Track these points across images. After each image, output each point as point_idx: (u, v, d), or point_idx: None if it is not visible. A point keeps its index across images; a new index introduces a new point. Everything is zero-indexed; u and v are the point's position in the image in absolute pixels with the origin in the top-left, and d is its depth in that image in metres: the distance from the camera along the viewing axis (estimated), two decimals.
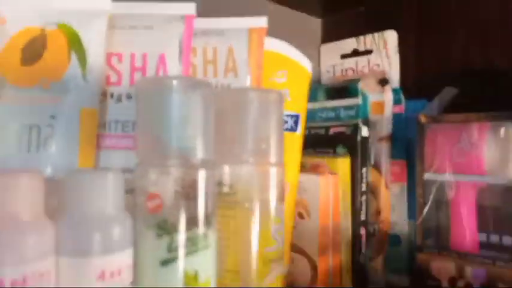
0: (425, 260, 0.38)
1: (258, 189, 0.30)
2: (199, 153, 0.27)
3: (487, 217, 0.36)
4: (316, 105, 0.51)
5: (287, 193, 0.41)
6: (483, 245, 0.37)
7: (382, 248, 0.46)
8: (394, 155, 0.47)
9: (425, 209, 0.38)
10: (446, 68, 0.45)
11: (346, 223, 0.44)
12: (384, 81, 0.46)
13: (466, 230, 0.37)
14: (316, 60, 0.56)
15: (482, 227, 0.37)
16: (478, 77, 0.42)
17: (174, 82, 0.27)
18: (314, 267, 0.42)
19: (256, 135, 0.30)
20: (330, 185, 0.43)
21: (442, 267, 0.37)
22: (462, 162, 0.37)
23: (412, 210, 0.46)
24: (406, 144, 0.46)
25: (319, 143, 0.48)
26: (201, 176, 0.27)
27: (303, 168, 0.45)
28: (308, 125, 0.49)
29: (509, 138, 0.34)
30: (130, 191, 0.28)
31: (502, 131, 0.35)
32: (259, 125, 0.30)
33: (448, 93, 0.41)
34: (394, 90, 0.47)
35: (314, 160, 0.46)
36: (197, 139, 0.27)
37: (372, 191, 0.47)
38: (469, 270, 0.36)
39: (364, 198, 0.45)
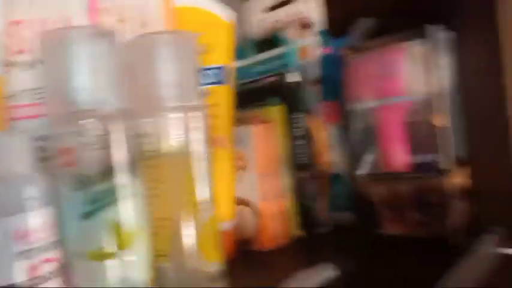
0: (359, 186, 0.40)
1: (180, 134, 0.30)
2: (111, 104, 0.27)
3: (411, 136, 0.38)
4: (247, 61, 0.51)
5: (222, 145, 0.41)
6: (411, 164, 0.38)
7: (324, 189, 0.48)
8: (327, 97, 0.48)
9: (355, 139, 0.40)
10: (367, 3, 0.46)
11: (286, 168, 0.45)
12: (306, 25, 0.47)
13: (396, 152, 0.38)
14: (244, 16, 0.56)
15: (410, 146, 0.38)
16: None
17: (77, 32, 0.26)
18: (258, 214, 0.43)
19: (171, 79, 0.30)
20: (264, 134, 0.43)
21: (376, 190, 0.38)
22: (384, 87, 0.38)
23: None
24: (338, 84, 0.47)
25: (253, 97, 0.48)
26: (113, 126, 0.27)
27: (239, 122, 0.45)
28: (241, 81, 0.49)
29: (423, 53, 0.36)
30: (46, 157, 0.28)
31: (416, 48, 0.36)
32: (173, 69, 0.30)
33: (364, 24, 0.42)
34: (320, 33, 0.47)
35: (249, 113, 0.46)
36: (107, 90, 0.27)
37: (309, 134, 0.48)
38: (400, 189, 0.38)
39: (301, 142, 0.46)
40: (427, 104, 0.36)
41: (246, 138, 0.43)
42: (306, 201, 0.46)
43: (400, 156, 0.38)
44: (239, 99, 0.48)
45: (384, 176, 0.39)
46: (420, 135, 0.37)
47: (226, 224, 0.41)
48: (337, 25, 0.48)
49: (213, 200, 0.32)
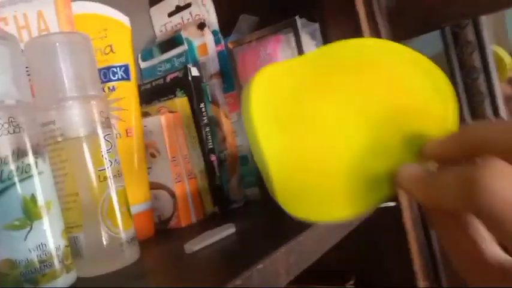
0: None
1: (82, 119, 0.34)
2: (12, 96, 0.31)
3: None
4: (154, 61, 0.56)
5: (132, 137, 0.45)
6: None
7: (234, 169, 0.53)
8: (226, 89, 0.54)
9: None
10: (249, 4, 0.53)
11: (196, 152, 0.50)
12: (201, 25, 0.53)
13: None
14: (149, 23, 0.61)
15: None
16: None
17: None
18: (173, 195, 0.47)
19: (70, 73, 0.34)
20: (172, 122, 0.48)
21: None
22: None
23: None
24: (234, 76, 0.54)
25: (161, 92, 0.53)
26: (17, 113, 0.31)
27: (149, 114, 0.50)
28: (150, 80, 0.54)
29: (295, 42, 0.42)
30: None
31: (289, 38, 0.42)
32: (69, 64, 0.34)
33: (246, 20, 0.48)
34: (213, 32, 0.53)
35: (157, 106, 0.51)
36: (7, 84, 0.31)
37: (215, 123, 0.53)
38: None
39: (207, 129, 0.51)
40: None
41: (155, 128, 0.48)
42: (218, 181, 0.51)
43: None
44: (149, 95, 0.53)
45: None
46: None
47: (143, 206, 0.45)
48: (226, 24, 0.54)
49: (120, 175, 0.36)
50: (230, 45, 0.46)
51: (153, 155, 0.48)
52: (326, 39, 0.46)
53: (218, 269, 0.30)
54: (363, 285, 0.51)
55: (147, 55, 0.56)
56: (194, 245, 0.35)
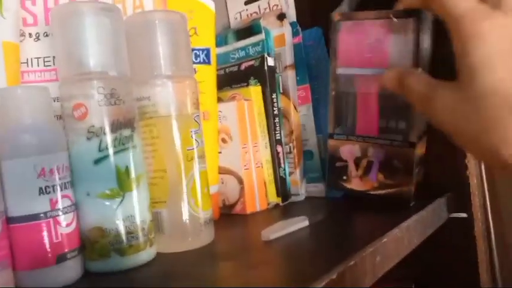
0: (335, 145, 0.45)
1: (174, 99, 0.35)
2: (115, 68, 0.32)
3: (386, 105, 0.42)
4: (228, 48, 0.56)
5: (208, 120, 0.46)
6: (382, 130, 0.43)
7: (298, 163, 0.53)
8: (298, 82, 0.53)
9: (337, 101, 0.45)
10: None
11: (264, 142, 0.50)
12: (281, 16, 0.52)
13: (369, 117, 0.43)
14: (224, 9, 0.61)
15: (382, 114, 0.43)
16: None
17: (85, 6, 0.31)
18: (241, 181, 0.48)
19: (168, 51, 0.35)
20: (245, 109, 0.48)
21: (349, 150, 0.44)
22: (369, 57, 0.41)
23: (319, 128, 0.53)
24: (308, 70, 0.53)
25: (234, 79, 0.53)
26: (118, 85, 0.31)
27: (224, 100, 0.50)
28: (223, 66, 0.54)
29: (409, 30, 0.39)
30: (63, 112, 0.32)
31: (403, 25, 0.39)
32: (168, 43, 0.35)
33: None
34: (292, 24, 0.53)
35: (230, 93, 0.51)
36: (111, 56, 0.32)
37: (284, 114, 0.53)
38: (370, 151, 0.43)
39: (277, 120, 0.51)
40: None
41: (230, 114, 0.48)
42: (282, 173, 0.51)
43: (373, 123, 0.43)
44: (223, 81, 0.53)
45: (356, 137, 0.44)
46: (394, 106, 0.42)
47: (212, 189, 0.45)
48: (306, 17, 0.54)
49: (203, 156, 0.37)
50: (336, 17, 0.44)
51: (224, 141, 0.49)
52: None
53: (300, 263, 0.30)
54: None
55: (221, 41, 0.56)
56: (271, 233, 0.35)
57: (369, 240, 0.31)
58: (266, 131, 0.51)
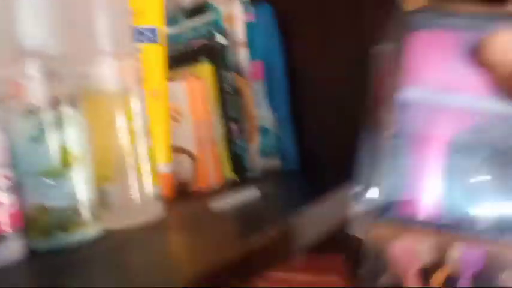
0: (379, 237, 0.22)
1: (116, 75, 0.35)
2: (53, 45, 0.31)
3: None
4: (179, 27, 0.56)
5: (157, 99, 0.46)
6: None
7: (253, 139, 0.54)
8: (250, 58, 0.54)
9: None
10: None
11: (217, 119, 0.51)
12: None
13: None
14: None
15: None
16: None
17: None
18: (194, 159, 0.48)
19: (109, 27, 0.35)
20: (196, 88, 0.49)
21: (408, 250, 0.21)
22: (463, 77, 0.23)
23: (272, 103, 0.54)
24: (259, 47, 0.54)
25: (185, 58, 0.53)
26: (57, 63, 0.31)
27: (174, 79, 0.50)
28: (174, 45, 0.54)
29: None
30: None
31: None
32: (109, 19, 0.35)
33: None
34: (242, 2, 0.53)
35: (181, 72, 0.51)
36: (49, 33, 0.31)
37: (237, 92, 0.54)
38: (455, 253, 0.21)
39: (229, 97, 0.52)
40: None
41: (180, 92, 0.48)
42: (237, 149, 0.52)
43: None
44: (174, 60, 0.53)
45: (427, 225, 0.22)
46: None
47: (165, 167, 0.46)
48: None
49: (148, 133, 0.37)
50: (414, 4, 0.24)
51: (175, 119, 0.49)
52: None
53: (245, 226, 0.31)
54: None
55: (171, 20, 0.56)
56: (220, 204, 0.36)
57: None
58: (219, 109, 0.51)
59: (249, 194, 0.39)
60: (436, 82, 0.22)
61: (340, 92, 0.52)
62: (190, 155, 0.48)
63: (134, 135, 0.35)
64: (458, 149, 0.21)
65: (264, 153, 0.54)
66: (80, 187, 0.32)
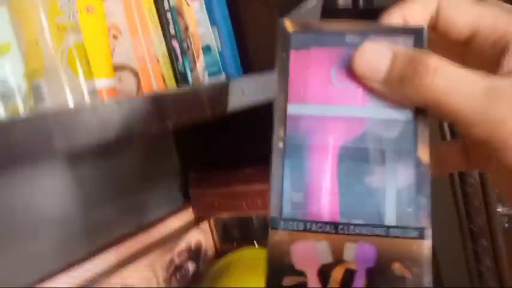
0: (281, 242, 0.23)
1: None
2: None
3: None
4: None
5: (92, 14, 0.46)
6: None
7: (198, 58, 0.55)
8: None
9: None
10: None
11: (158, 38, 0.51)
12: None
13: (326, 188, 0.25)
14: None
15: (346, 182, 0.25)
16: None
17: None
18: (136, 75, 0.49)
19: None
20: (133, 5, 0.49)
21: (308, 251, 0.23)
22: (338, 90, 0.25)
23: (213, 17, 0.55)
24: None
25: None
26: None
27: None
28: None
29: None
30: None
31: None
32: None
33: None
34: None
35: None
36: None
37: (178, 11, 0.54)
38: (350, 251, 0.23)
39: (169, 15, 0.52)
40: None
41: (117, 9, 0.48)
42: (182, 68, 0.53)
43: (333, 199, 0.24)
44: None
45: (323, 226, 0.24)
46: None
47: (107, 81, 0.46)
48: None
49: (77, 26, 0.37)
50: (288, 25, 0.25)
51: (115, 37, 0.49)
52: None
53: None
54: None
55: None
56: None
57: None
58: (159, 27, 0.52)
59: None
60: (320, 96, 0.25)
61: None
62: (132, 70, 0.49)
63: (62, 30, 0.36)
64: (349, 155, 0.24)
65: (209, 72, 0.56)
66: (10, 76, 0.32)
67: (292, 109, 0.24)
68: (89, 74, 0.38)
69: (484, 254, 0.71)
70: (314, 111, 0.24)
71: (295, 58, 0.25)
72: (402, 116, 0.24)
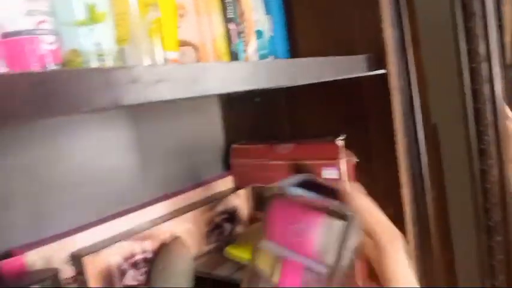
0: None
1: None
2: None
3: None
4: None
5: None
6: None
7: (250, 41, 0.62)
8: None
9: None
10: None
11: (218, 20, 0.58)
12: None
13: None
14: None
15: None
16: None
17: None
18: (197, 50, 0.56)
19: None
20: None
21: None
22: (296, 241, 0.38)
23: (269, 7, 0.61)
24: None
25: None
26: None
27: None
28: None
29: (339, 231, 0.37)
30: None
31: (335, 224, 0.37)
32: None
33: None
34: None
35: None
36: None
37: None
38: None
39: (229, 0, 0.59)
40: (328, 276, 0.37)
41: None
42: (235, 48, 0.59)
43: None
44: None
45: None
46: None
47: (173, 54, 0.54)
48: None
49: (157, 4, 0.45)
50: (269, 194, 0.41)
51: (181, 15, 0.57)
52: None
53: None
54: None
55: None
56: None
57: None
58: (219, 10, 0.58)
59: None
60: (280, 236, 0.39)
61: None
62: (194, 47, 0.56)
63: (147, 5, 0.43)
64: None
65: (260, 55, 0.62)
66: (105, 39, 0.40)
67: (267, 245, 0.40)
68: (163, 45, 0.45)
69: (498, 249, 0.75)
70: (280, 252, 0.39)
71: (270, 206, 0.40)
72: None
